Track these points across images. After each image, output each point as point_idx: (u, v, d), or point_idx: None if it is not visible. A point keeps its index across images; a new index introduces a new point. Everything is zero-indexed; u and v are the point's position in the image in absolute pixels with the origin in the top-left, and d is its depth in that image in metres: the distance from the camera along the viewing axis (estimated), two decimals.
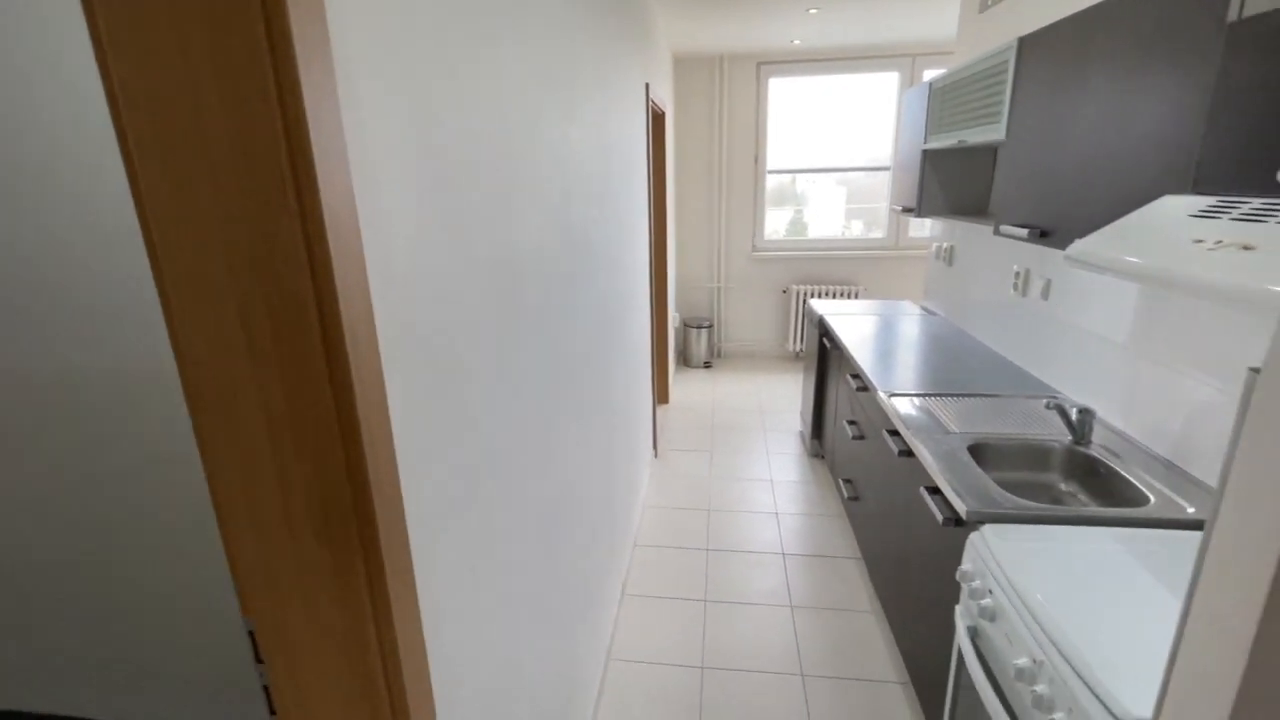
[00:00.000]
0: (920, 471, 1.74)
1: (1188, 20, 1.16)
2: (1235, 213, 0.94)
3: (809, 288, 5.12)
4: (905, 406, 2.01)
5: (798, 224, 5.34)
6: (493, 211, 1.02)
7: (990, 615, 1.19)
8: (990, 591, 1.20)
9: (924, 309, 3.37)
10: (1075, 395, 2.00)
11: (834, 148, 5.07)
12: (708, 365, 5.27)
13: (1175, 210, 1.07)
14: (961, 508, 1.40)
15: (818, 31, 4.01)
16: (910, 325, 3.04)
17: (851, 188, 5.18)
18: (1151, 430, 1.65)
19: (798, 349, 5.31)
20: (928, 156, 2.65)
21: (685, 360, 5.33)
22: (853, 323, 3.11)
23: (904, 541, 1.93)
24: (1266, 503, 0.42)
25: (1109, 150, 1.39)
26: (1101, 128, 1.41)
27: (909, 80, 4.73)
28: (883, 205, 5.14)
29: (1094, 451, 1.66)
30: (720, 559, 2.65)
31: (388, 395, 0.67)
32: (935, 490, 1.62)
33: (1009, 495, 1.42)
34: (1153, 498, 1.42)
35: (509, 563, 1.12)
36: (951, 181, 2.68)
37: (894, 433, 1.99)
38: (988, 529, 1.31)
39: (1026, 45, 1.77)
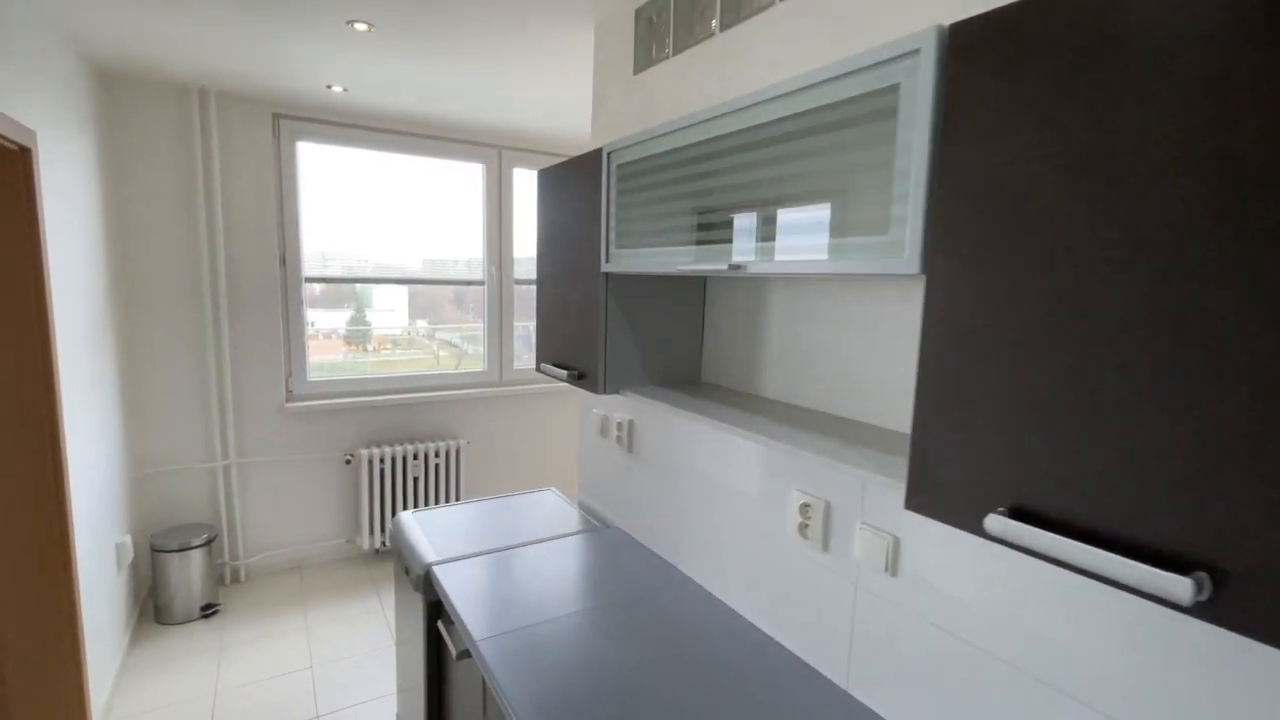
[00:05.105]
0: None
1: None
2: None
3: (387, 451, 3.41)
4: None
5: (359, 329, 3.60)
6: None
7: None
8: None
9: (586, 514, 2.12)
10: None
11: (403, 241, 3.63)
12: (210, 611, 2.92)
13: None
14: None
15: (371, 76, 2.59)
16: (577, 563, 1.72)
17: (414, 287, 3.76)
18: None
19: (378, 545, 3.47)
20: (613, 287, 1.44)
21: (160, 614, 2.86)
22: (483, 579, 1.61)
23: None
24: None
25: None
26: None
27: (496, 178, 3.72)
28: (450, 300, 3.91)
29: None
30: None
31: None
32: None
33: None
34: None
35: None
36: (660, 330, 1.53)
37: None
38: None
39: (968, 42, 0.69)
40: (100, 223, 2.50)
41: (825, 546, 1.25)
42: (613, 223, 1.36)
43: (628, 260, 1.33)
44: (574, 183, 1.52)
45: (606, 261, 1.39)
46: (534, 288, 4.13)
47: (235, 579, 3.21)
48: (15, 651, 1.90)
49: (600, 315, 1.43)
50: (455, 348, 3.96)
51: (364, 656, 2.64)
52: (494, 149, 3.67)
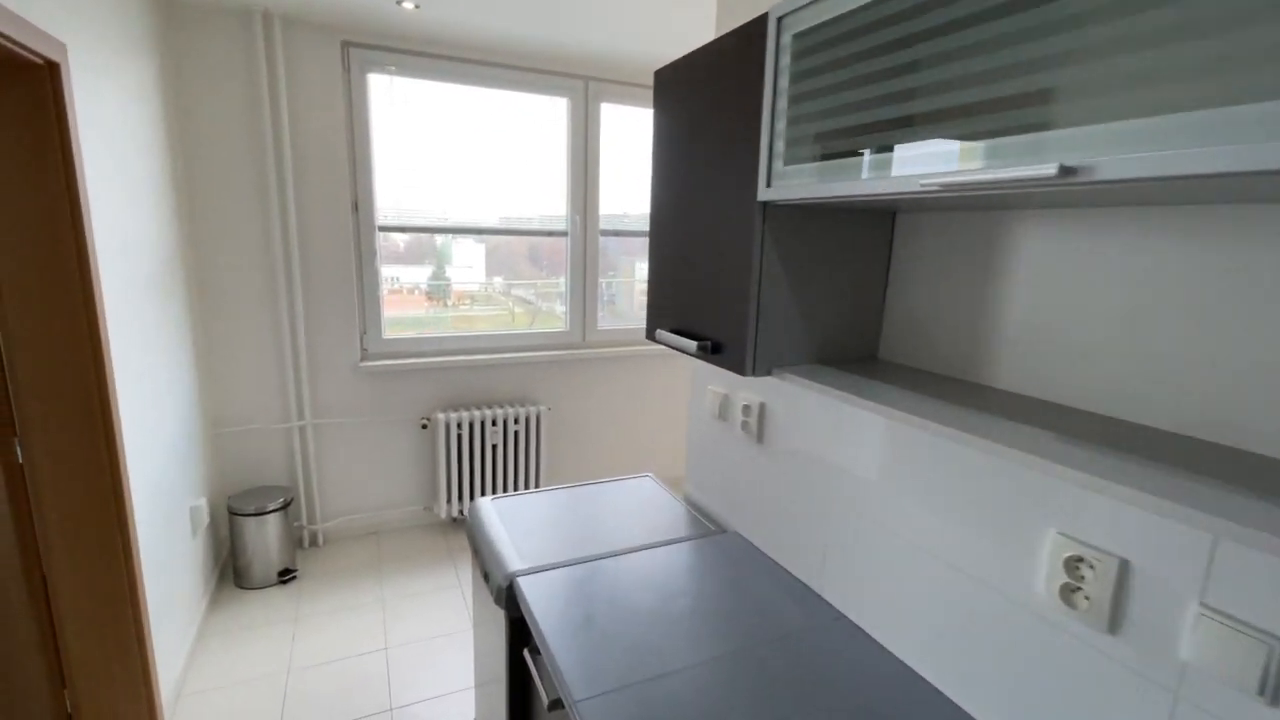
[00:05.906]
0: None
1: None
2: None
3: (464, 416, 3.17)
4: None
5: (439, 283, 3.34)
6: None
7: None
8: None
9: (694, 512, 1.75)
10: None
11: (480, 196, 3.30)
12: (287, 576, 2.80)
13: None
14: None
15: None
16: (693, 583, 1.36)
17: (490, 243, 3.43)
18: None
19: (455, 514, 3.27)
20: (770, 226, 1.01)
21: (239, 578, 2.76)
22: (578, 601, 1.27)
23: None
24: None
25: None
26: None
27: (582, 113, 3.30)
28: (524, 256, 3.56)
29: None
30: None
31: None
32: None
33: None
34: None
35: None
36: (826, 286, 1.10)
37: None
38: None
39: None
40: (161, 161, 2.28)
41: (1112, 627, 0.81)
42: (781, 127, 0.92)
43: (802, 181, 0.89)
44: (712, 78, 1.09)
45: (767, 186, 0.96)
46: (620, 240, 3.76)
47: (313, 543, 3.09)
48: (74, 625, 1.76)
49: (752, 265, 1.01)
50: (530, 304, 3.67)
51: (440, 639, 2.43)
52: (580, 80, 3.23)
